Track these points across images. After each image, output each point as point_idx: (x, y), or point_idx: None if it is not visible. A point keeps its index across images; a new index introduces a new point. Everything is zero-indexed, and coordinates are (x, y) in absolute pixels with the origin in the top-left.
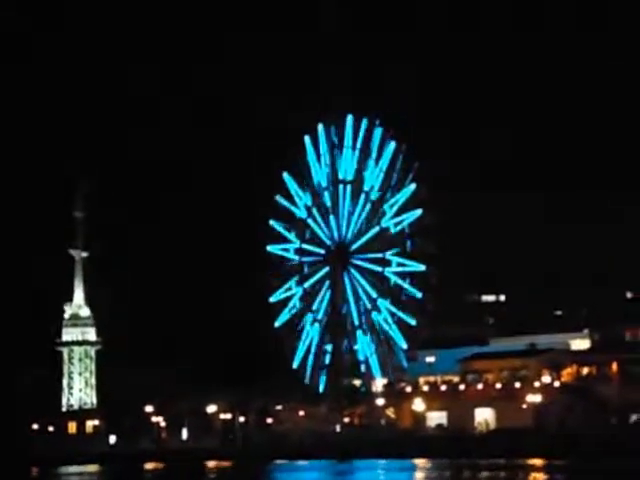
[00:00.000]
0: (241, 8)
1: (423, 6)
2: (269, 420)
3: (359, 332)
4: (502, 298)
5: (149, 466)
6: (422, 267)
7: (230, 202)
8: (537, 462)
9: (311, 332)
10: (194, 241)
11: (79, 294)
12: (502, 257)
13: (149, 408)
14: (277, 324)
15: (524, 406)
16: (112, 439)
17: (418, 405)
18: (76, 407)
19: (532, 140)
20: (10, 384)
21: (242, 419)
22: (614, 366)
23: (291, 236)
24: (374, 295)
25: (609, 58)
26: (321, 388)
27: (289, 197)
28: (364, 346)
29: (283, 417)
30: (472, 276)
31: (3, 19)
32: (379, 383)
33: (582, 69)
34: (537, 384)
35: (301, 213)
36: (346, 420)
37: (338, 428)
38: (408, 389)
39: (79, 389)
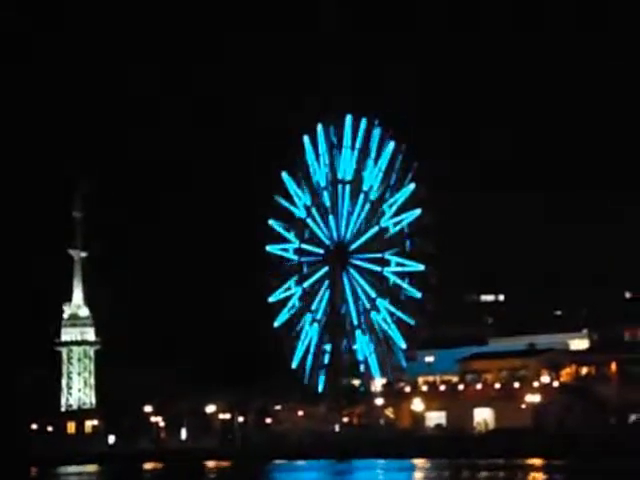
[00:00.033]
0: (241, 8)
1: (423, 6)
2: (268, 420)
3: (358, 332)
4: (501, 298)
5: (148, 466)
6: (421, 267)
7: (230, 202)
8: (536, 462)
9: (310, 332)
10: (194, 241)
11: (78, 294)
12: (502, 257)
13: (148, 408)
14: (276, 324)
15: (523, 406)
16: (111, 439)
17: (417, 405)
18: (75, 407)
19: (532, 140)
20: (9, 384)
21: (241, 419)
22: (613, 366)
23: (290, 236)
24: (373, 295)
25: (609, 58)
26: (320, 388)
27: (288, 197)
28: (363, 346)
29: (282, 417)
30: (471, 276)
31: (3, 19)
32: (378, 383)
33: (582, 69)
34: (536, 384)
35: (300, 213)
36: (345, 420)
37: (337, 428)
38: (407, 389)
39: (78, 389)
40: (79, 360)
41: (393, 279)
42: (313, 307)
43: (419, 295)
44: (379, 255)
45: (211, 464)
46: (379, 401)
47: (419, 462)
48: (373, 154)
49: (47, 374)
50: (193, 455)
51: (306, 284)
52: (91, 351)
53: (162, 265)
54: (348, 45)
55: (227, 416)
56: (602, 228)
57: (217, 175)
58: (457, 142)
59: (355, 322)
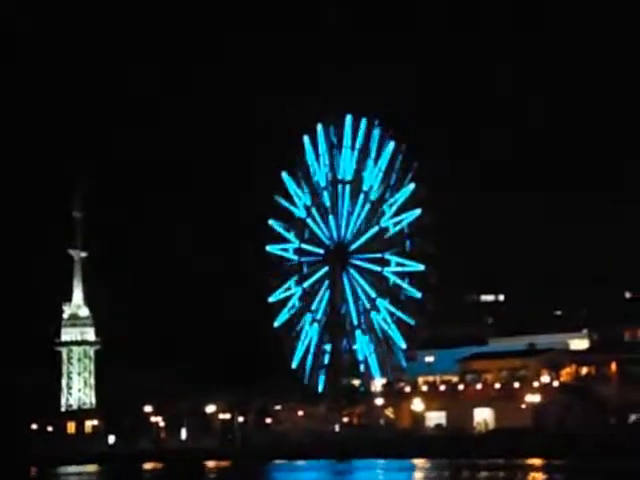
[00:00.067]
0: (241, 8)
1: (423, 6)
2: (268, 420)
3: (358, 332)
4: (501, 298)
5: (148, 466)
6: (421, 267)
7: (230, 202)
8: (536, 462)
9: (310, 332)
10: (194, 241)
11: (78, 294)
12: (502, 257)
13: (148, 408)
14: (276, 324)
15: (523, 406)
16: (111, 439)
17: (417, 405)
18: (75, 407)
19: (532, 140)
20: (9, 384)
21: (241, 419)
22: (613, 366)
23: (290, 236)
24: (373, 295)
25: (609, 58)
26: (320, 388)
27: (288, 197)
28: (363, 346)
29: (282, 417)
30: (471, 276)
31: (3, 19)
32: (378, 383)
33: (582, 69)
34: (536, 384)
35: (300, 213)
36: (345, 420)
37: (337, 428)
38: (407, 389)
39: (78, 389)
40: (79, 360)
41: (393, 279)
42: (313, 307)
43: (419, 295)
44: (379, 255)
45: (211, 464)
46: (379, 401)
47: (419, 462)
48: (373, 154)
49: (47, 374)
50: (193, 455)
51: (306, 284)
52: (91, 351)
53: (162, 265)
54: (348, 45)
55: (227, 416)
56: (602, 228)
57: (217, 175)
58: (457, 142)
59: (355, 322)
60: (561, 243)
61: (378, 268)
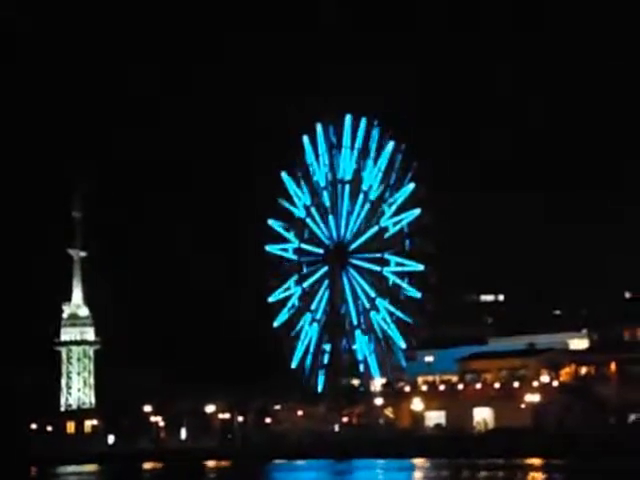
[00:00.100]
0: (241, 8)
1: (423, 6)
2: (268, 420)
3: (358, 332)
4: (501, 298)
5: (148, 466)
6: (421, 267)
7: (229, 202)
8: (536, 462)
9: (310, 332)
10: (193, 241)
11: (78, 294)
12: (502, 257)
13: (148, 408)
14: (276, 324)
15: (523, 406)
16: (111, 439)
17: (417, 405)
18: (75, 407)
19: (532, 140)
20: (9, 384)
21: (241, 419)
22: (613, 366)
23: (290, 236)
24: (373, 295)
25: (609, 58)
26: (320, 388)
27: (288, 197)
28: (363, 346)
29: (282, 417)
30: (471, 276)
31: (3, 19)
32: (378, 383)
33: (582, 69)
34: (536, 384)
35: (300, 213)
36: (345, 420)
37: (337, 428)
38: (407, 389)
39: (77, 389)
40: (79, 360)
41: (393, 279)
42: (313, 307)
43: (419, 295)
44: (379, 255)
45: (211, 464)
46: (379, 401)
47: (419, 462)
48: (373, 154)
49: (47, 374)
50: (193, 455)
51: (306, 284)
52: (90, 351)
53: (162, 265)
54: (348, 45)
55: (227, 416)
56: (602, 228)
57: (217, 175)
58: (457, 142)
59: (355, 322)
60: (561, 243)
61: (378, 268)
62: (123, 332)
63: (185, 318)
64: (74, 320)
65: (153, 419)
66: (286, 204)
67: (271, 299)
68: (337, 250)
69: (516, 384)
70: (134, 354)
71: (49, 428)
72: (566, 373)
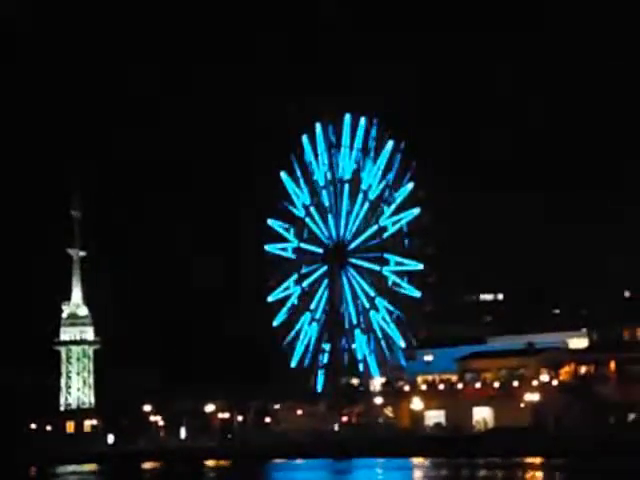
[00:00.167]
0: (241, 8)
1: (423, 6)
2: (267, 419)
3: (357, 331)
4: (500, 297)
5: (147, 465)
6: (420, 266)
7: (229, 202)
8: (535, 461)
9: (309, 331)
10: (193, 241)
11: (77, 293)
12: (502, 257)
13: (147, 407)
14: (275, 323)
15: (522, 405)
16: (110, 438)
17: (416, 404)
18: (74, 406)
19: (532, 140)
20: (8, 383)
21: (240, 418)
22: (612, 365)
23: (289, 235)
24: (372, 294)
25: (609, 58)
26: (319, 387)
27: (287, 196)
28: (362, 345)
29: (281, 416)
30: (471, 275)
31: (3, 19)
32: (377, 382)
33: (582, 69)
34: (535, 383)
35: (299, 212)
36: (344, 419)
37: (336, 427)
38: (406, 388)
39: (77, 388)
40: (78, 359)
41: (392, 278)
42: (312, 306)
43: (418, 294)
44: (378, 254)
45: (210, 463)
46: (378, 400)
47: (418, 461)
48: (372, 153)
49: (46, 373)
50: (192, 454)
51: (305, 283)
52: (90, 350)
53: (162, 265)
54: (348, 45)
55: (226, 415)
56: (602, 228)
57: (217, 175)
58: (457, 142)
59: (354, 321)
60: (561, 243)
61: (377, 267)
62: (123, 332)
63: (185, 318)
64: (73, 320)
65: (152, 418)
66: (285, 203)
67: (270, 299)
68: (336, 249)
69: (515, 383)
70: (133, 354)
71: (48, 428)
72: (566, 372)
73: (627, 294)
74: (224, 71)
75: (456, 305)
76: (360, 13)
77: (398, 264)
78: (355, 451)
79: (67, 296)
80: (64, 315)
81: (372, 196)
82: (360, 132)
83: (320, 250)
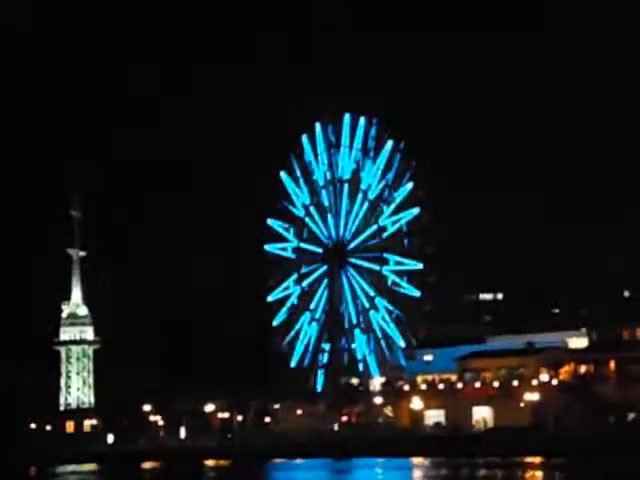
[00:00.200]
0: (241, 8)
1: (423, 6)
2: (267, 419)
3: (357, 331)
4: (500, 297)
5: (147, 465)
6: (420, 265)
7: (229, 202)
8: (535, 460)
9: (309, 331)
10: (193, 241)
11: (77, 293)
12: (501, 257)
13: (147, 407)
14: (275, 323)
15: (522, 405)
16: (110, 438)
17: (416, 403)
18: (74, 406)
19: (532, 140)
20: (8, 383)
21: (240, 418)
22: (612, 365)
23: (289, 235)
24: (372, 294)
25: (609, 58)
26: (319, 387)
27: (287, 196)
28: (362, 345)
29: (281, 416)
30: (470, 275)
31: (3, 19)
32: (377, 382)
33: (582, 69)
34: (535, 383)
35: (299, 212)
36: (344, 419)
37: (336, 427)
38: (406, 388)
39: (77, 388)
40: (78, 359)
41: (392, 278)
42: (312, 306)
43: (418, 294)
44: (378, 254)
45: (210, 463)
46: (378, 400)
47: (418, 460)
48: (371, 153)
49: (46, 373)
50: (192, 454)
51: (305, 283)
52: (90, 350)
53: (162, 265)
54: (348, 45)
55: (226, 415)
56: (602, 228)
57: (217, 175)
58: (457, 142)
59: (354, 321)
60: (561, 243)
61: (377, 267)
62: (123, 332)
63: (185, 318)
64: (73, 319)
65: (152, 418)
66: (285, 203)
67: (270, 298)
68: (336, 249)
69: (515, 383)
70: (133, 353)
71: (48, 427)
72: (565, 372)
73: (627, 294)
74: (224, 71)
75: (456, 305)
76: (360, 13)
77: (398, 264)
78: (355, 451)
79: (67, 296)
80: (64, 315)
81: (372, 196)
82: (360, 132)
83: (320, 250)
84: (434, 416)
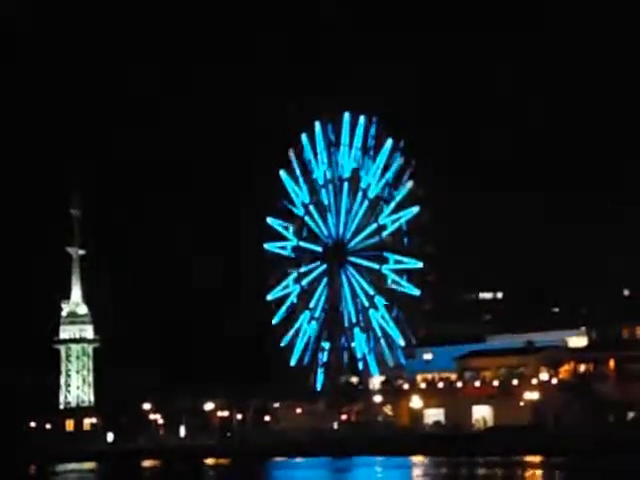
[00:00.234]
0: (241, 8)
1: (423, 6)
2: (267, 418)
3: (356, 329)
4: (500, 296)
5: (147, 463)
6: (419, 264)
7: (229, 202)
8: (535, 459)
9: (308, 330)
10: (193, 241)
11: (76, 292)
12: (501, 256)
13: (147, 406)
14: (274, 322)
15: (522, 403)
16: (110, 437)
17: (415, 402)
18: (74, 405)
19: (532, 140)
20: (8, 382)
21: (240, 417)
22: (611, 363)
23: (289, 234)
24: (371, 292)
25: (609, 58)
26: (319, 386)
27: (287, 195)
28: (361, 343)
29: (281, 415)
30: (470, 274)
31: (3, 19)
32: (376, 380)
33: (582, 69)
34: (535, 381)
35: (298, 211)
36: (344, 417)
37: (336, 425)
38: (405, 386)
39: (76, 387)
40: (77, 358)
41: (391, 276)
42: (311, 305)
43: (417, 292)
44: (377, 253)
45: (210, 461)
46: (377, 398)
47: (417, 459)
48: (371, 152)
49: (46, 372)
50: (192, 453)
51: (304, 282)
52: (89, 349)
53: (162, 265)
54: (348, 45)
55: (226, 414)
56: (602, 228)
57: (217, 175)
58: (457, 142)
59: (353, 320)
60: (561, 243)
61: (376, 266)
62: (123, 331)
63: (185, 318)
64: (73, 318)
65: (152, 417)
66: (285, 202)
67: (270, 297)
68: (336, 248)
69: (515, 382)
70: (133, 352)
71: (48, 426)
72: (565, 371)
73: (626, 293)
74: (224, 71)
75: (455, 304)
76: (360, 13)
77: (397, 262)
78: (354, 449)
79: (67, 294)
80: (64, 313)
81: (371, 194)
82: (359, 131)
83: (319, 248)
84: (434, 415)
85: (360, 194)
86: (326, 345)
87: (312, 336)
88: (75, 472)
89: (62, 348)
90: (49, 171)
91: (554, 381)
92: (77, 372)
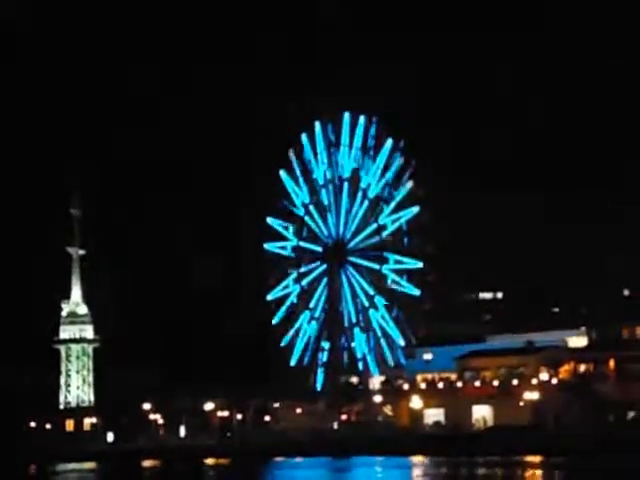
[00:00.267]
0: (241, 8)
1: (423, 6)
2: (267, 418)
3: (356, 329)
4: (500, 296)
5: (147, 463)
6: (419, 264)
7: (229, 202)
8: (535, 459)
9: (308, 330)
10: (193, 241)
11: (76, 292)
12: (501, 256)
13: (147, 405)
14: (274, 322)
15: (522, 403)
16: (110, 437)
17: (415, 402)
18: (74, 405)
19: (532, 140)
20: (8, 382)
21: (240, 417)
22: (611, 363)
23: (289, 234)
24: (371, 292)
25: (609, 58)
26: (319, 386)
27: (287, 195)
28: (361, 343)
29: (281, 415)
30: (470, 274)
31: (3, 19)
32: (376, 380)
33: (582, 69)
34: (535, 381)
35: (298, 211)
36: (343, 417)
37: (336, 425)
38: (405, 386)
39: (77, 387)
40: (77, 358)
41: (391, 276)
42: (311, 305)
43: (417, 292)
44: (377, 253)
45: (210, 461)
46: (377, 398)
47: (417, 459)
48: (371, 152)
49: (46, 372)
50: (192, 453)
51: (304, 282)
52: (89, 349)
53: (162, 265)
54: (348, 45)
55: (226, 414)
56: (602, 228)
57: (217, 175)
58: (457, 142)
59: (353, 320)
60: (561, 243)
61: (376, 266)
62: (122, 330)
63: (185, 318)
64: (73, 318)
65: (152, 417)
66: (285, 202)
67: (270, 297)
68: (336, 248)
69: (515, 382)
70: (133, 352)
71: (48, 426)
72: (565, 371)
73: (626, 293)
74: (224, 71)
75: (455, 304)
76: (360, 13)
77: (397, 262)
78: (354, 449)
79: (67, 294)
80: (64, 313)
81: (371, 194)
82: (359, 131)
83: (319, 248)
84: (434, 415)
85: (360, 194)
86: (326, 345)
87: (312, 336)
88: (75, 472)
89: (62, 348)
90: (49, 171)
91: (554, 381)
92: (77, 372)
